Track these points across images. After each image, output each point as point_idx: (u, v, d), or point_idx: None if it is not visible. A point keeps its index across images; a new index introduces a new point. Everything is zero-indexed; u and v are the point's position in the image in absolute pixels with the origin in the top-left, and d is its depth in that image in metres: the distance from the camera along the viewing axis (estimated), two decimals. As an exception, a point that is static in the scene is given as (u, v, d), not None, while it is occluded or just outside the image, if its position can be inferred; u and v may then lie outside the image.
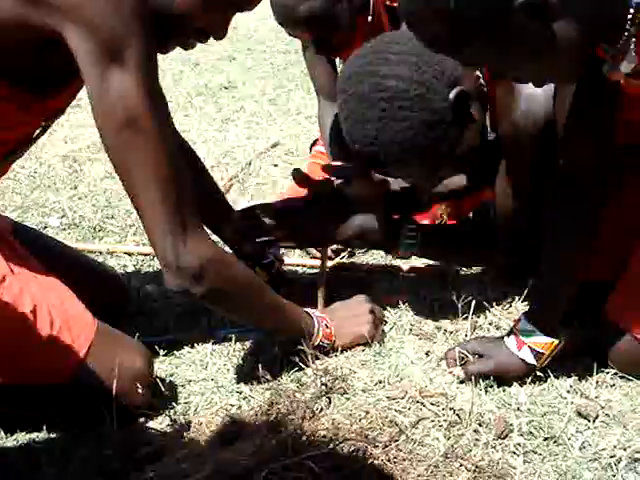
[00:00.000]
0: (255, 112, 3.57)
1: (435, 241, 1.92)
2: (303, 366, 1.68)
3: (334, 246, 2.15)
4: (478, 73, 1.75)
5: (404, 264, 2.14)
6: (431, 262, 2.12)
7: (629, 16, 1.20)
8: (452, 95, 1.64)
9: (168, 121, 1.39)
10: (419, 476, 1.39)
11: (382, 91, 1.62)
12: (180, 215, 1.36)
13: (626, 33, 1.22)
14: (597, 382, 1.64)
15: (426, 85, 1.62)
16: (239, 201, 2.55)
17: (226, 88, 3.95)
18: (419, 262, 2.14)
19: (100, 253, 2.26)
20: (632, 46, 1.22)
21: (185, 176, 1.38)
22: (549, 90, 1.63)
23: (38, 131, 1.57)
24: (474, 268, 2.10)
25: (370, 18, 2.19)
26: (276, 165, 2.93)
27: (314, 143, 2.71)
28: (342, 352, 1.75)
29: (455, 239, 1.95)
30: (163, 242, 1.37)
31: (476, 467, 1.41)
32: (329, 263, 2.10)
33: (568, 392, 1.61)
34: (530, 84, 1.60)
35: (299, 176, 1.87)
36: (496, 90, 1.73)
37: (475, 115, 1.71)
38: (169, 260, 1.38)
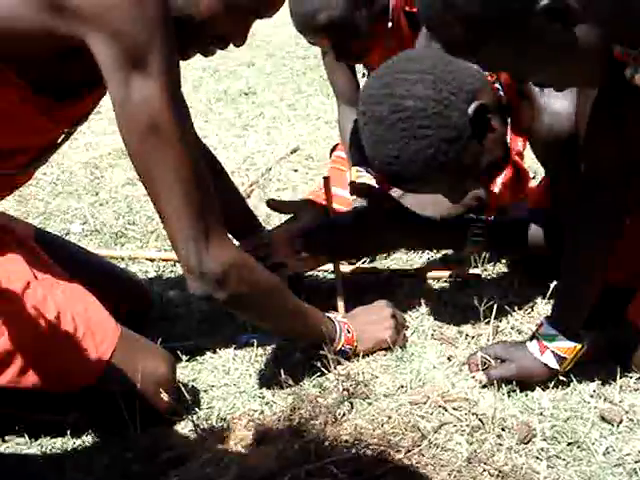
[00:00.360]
0: (275, 117, 3.57)
1: (501, 235, 1.91)
2: (325, 371, 1.69)
3: None
4: (497, 85, 1.76)
5: (426, 269, 2.14)
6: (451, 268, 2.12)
7: None
8: (471, 110, 1.64)
9: (190, 127, 1.40)
10: (442, 481, 1.38)
11: (400, 112, 1.63)
12: (203, 220, 1.36)
13: None
14: (621, 386, 1.63)
15: (444, 103, 1.63)
16: (260, 207, 2.56)
17: (245, 94, 3.96)
18: (440, 266, 2.15)
19: (122, 259, 2.27)
20: None
21: (207, 182, 1.39)
22: (571, 106, 1.63)
23: (61, 138, 1.58)
24: (497, 272, 2.10)
25: (390, 24, 2.19)
26: (296, 170, 2.93)
27: (334, 148, 2.71)
28: (364, 357, 1.75)
29: (521, 231, 1.91)
30: (186, 247, 1.37)
31: (499, 472, 1.40)
32: (348, 268, 2.11)
33: (591, 397, 1.60)
34: (552, 99, 1.62)
35: (358, 188, 1.93)
36: (520, 107, 1.74)
37: (495, 126, 1.71)
38: (192, 265, 1.39)
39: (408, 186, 1.78)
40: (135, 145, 1.31)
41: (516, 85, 1.74)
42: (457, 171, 1.69)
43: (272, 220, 2.46)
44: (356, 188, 1.94)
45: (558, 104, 1.64)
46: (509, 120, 1.79)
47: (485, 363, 1.66)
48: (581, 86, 1.51)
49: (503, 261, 2.14)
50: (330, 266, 2.16)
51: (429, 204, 2.05)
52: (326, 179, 1.95)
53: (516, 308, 1.90)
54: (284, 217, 2.45)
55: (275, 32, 4.85)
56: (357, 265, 2.17)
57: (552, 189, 1.85)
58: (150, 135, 1.29)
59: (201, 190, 1.36)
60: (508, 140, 1.81)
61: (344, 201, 2.30)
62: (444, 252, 2.22)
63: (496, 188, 2.24)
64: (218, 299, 1.43)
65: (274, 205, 2.00)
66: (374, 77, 1.74)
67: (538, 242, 1.86)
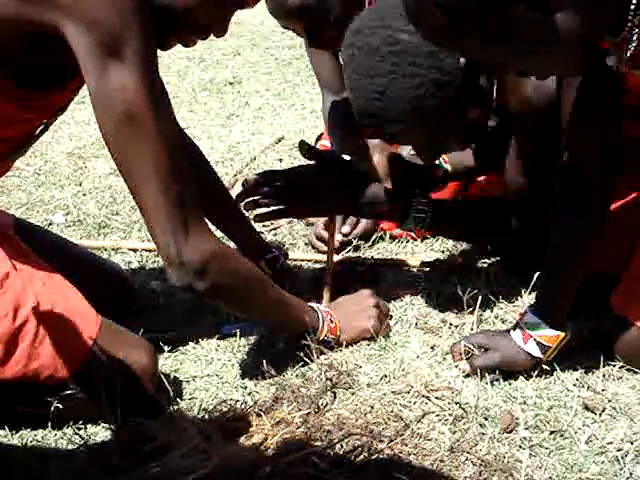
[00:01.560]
0: (260, 107, 3.56)
1: (447, 217, 1.88)
2: (308, 361, 1.68)
3: (339, 237, 2.15)
4: None
5: (410, 259, 2.13)
6: (437, 256, 2.12)
7: (632, 6, 1.18)
8: (463, 59, 1.60)
9: (169, 116, 1.38)
10: (425, 470, 1.38)
11: (394, 44, 1.58)
12: (182, 210, 1.35)
13: (629, 24, 1.21)
14: (604, 375, 1.63)
15: None
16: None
17: (231, 83, 3.94)
18: (424, 256, 2.14)
19: (105, 250, 2.26)
20: (635, 37, 1.21)
21: (186, 171, 1.38)
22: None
23: (40, 129, 1.56)
24: (481, 261, 2.09)
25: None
26: (281, 160, 2.92)
27: (319, 137, 2.70)
28: (347, 347, 1.75)
29: (468, 216, 1.90)
30: (165, 238, 1.36)
31: (482, 461, 1.40)
32: (335, 258, 2.10)
33: (574, 385, 1.60)
34: None
35: (307, 148, 1.85)
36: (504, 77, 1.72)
37: (483, 84, 1.69)
38: (171, 256, 1.38)
39: (387, 127, 1.69)
40: (111, 134, 1.30)
41: None
42: (440, 120, 1.65)
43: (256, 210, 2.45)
44: (309, 151, 1.89)
45: None
46: (495, 83, 1.77)
47: (468, 352, 1.66)
48: (563, 74, 1.51)
49: (487, 251, 2.13)
50: (314, 256, 2.16)
51: None
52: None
53: (500, 297, 1.90)
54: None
55: (261, 21, 4.83)
56: (341, 255, 2.16)
57: (522, 172, 1.82)
58: (126, 124, 1.28)
59: (179, 180, 1.35)
60: (491, 105, 1.79)
61: None
62: (429, 242, 2.22)
63: None
64: (198, 290, 1.42)
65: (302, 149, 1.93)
66: (369, 9, 1.69)
67: (496, 229, 1.84)
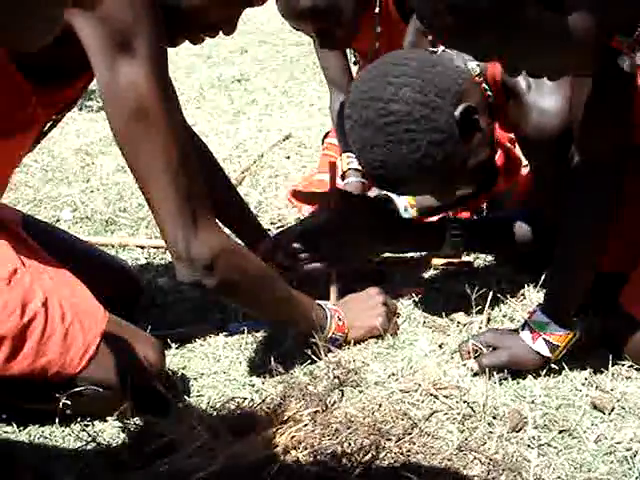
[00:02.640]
0: (267, 104, 3.56)
1: (481, 235, 1.90)
2: (316, 359, 1.68)
3: None
4: (484, 85, 1.75)
5: (418, 257, 2.13)
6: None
7: None
8: (458, 112, 1.65)
9: (177, 112, 1.38)
10: (432, 469, 1.37)
11: (387, 116, 1.63)
12: (191, 206, 1.35)
13: None
14: (612, 374, 1.62)
15: (431, 105, 1.63)
16: (251, 194, 2.55)
17: (238, 81, 3.94)
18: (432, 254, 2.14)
19: (112, 246, 2.26)
20: None
21: (195, 167, 1.37)
22: (561, 103, 1.63)
23: (48, 125, 1.56)
24: (489, 260, 2.09)
25: (377, 9, 2.17)
26: (288, 157, 2.92)
27: (326, 135, 2.70)
28: (355, 345, 1.75)
29: (500, 231, 1.91)
30: (174, 233, 1.36)
31: (490, 460, 1.40)
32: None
33: (583, 385, 1.60)
34: (540, 96, 1.61)
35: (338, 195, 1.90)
36: (508, 106, 1.73)
37: (483, 127, 1.71)
38: (180, 251, 1.37)
39: (396, 189, 1.79)
40: (122, 130, 1.30)
41: (503, 84, 1.73)
42: (445, 173, 1.69)
43: (263, 208, 2.46)
44: (335, 193, 1.92)
45: (546, 102, 1.64)
46: (497, 119, 1.79)
47: (477, 351, 1.65)
48: (575, 75, 1.50)
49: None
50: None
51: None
52: (332, 164, 1.94)
53: (508, 296, 1.89)
54: (276, 205, 2.45)
55: (268, 19, 4.83)
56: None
57: (537, 188, 1.84)
58: (137, 120, 1.28)
59: (189, 176, 1.35)
60: (494, 140, 1.81)
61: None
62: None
63: None
64: (207, 286, 1.42)
65: (301, 199, 1.95)
66: (360, 80, 1.74)
67: (522, 240, 1.84)
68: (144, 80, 1.27)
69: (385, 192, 2.06)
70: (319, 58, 2.54)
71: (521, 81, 1.69)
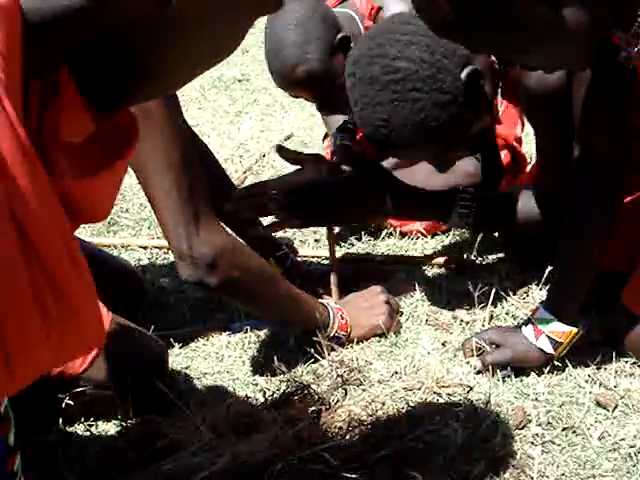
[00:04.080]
0: (269, 104, 3.55)
1: (491, 210, 1.85)
2: (319, 358, 1.68)
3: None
4: None
5: (420, 255, 2.13)
6: (447, 252, 2.11)
7: None
8: (464, 74, 1.62)
9: (179, 111, 1.39)
10: (436, 467, 1.37)
11: (392, 73, 1.60)
12: (193, 204, 1.36)
13: (639, 19, 1.21)
14: (616, 371, 1.62)
15: (437, 65, 1.60)
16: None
17: (239, 81, 3.93)
18: (435, 252, 2.14)
19: (115, 247, 2.26)
20: None
21: (197, 166, 1.38)
22: None
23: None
24: (492, 257, 2.09)
25: None
26: (290, 157, 2.91)
27: (326, 136, 2.69)
28: (358, 343, 1.75)
29: (509, 205, 1.86)
30: (176, 232, 1.36)
31: (494, 458, 1.39)
32: (341, 254, 2.10)
33: (586, 382, 1.60)
34: None
35: (290, 152, 1.85)
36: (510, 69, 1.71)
37: (488, 93, 1.69)
38: (183, 250, 1.38)
39: (397, 150, 1.74)
40: None
41: None
42: (447, 137, 1.66)
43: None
44: (344, 154, 1.89)
45: None
46: (500, 86, 1.77)
47: (480, 349, 1.65)
48: (569, 68, 1.50)
49: (498, 247, 2.13)
50: (324, 252, 2.15)
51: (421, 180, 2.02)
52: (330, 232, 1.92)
53: (511, 294, 1.89)
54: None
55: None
56: (351, 251, 2.16)
57: (540, 152, 1.82)
58: (140, 118, 1.27)
59: (191, 175, 1.35)
60: (499, 108, 1.79)
61: None
62: (439, 238, 2.22)
63: None
64: (209, 284, 1.42)
65: (284, 154, 1.91)
66: (366, 37, 1.71)
67: (529, 217, 1.82)
68: None
69: None
70: (324, 121, 2.52)
71: None
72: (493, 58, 1.72)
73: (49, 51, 0.76)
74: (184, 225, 1.36)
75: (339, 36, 2.14)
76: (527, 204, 1.80)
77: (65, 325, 0.76)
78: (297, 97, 2.18)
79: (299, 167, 1.81)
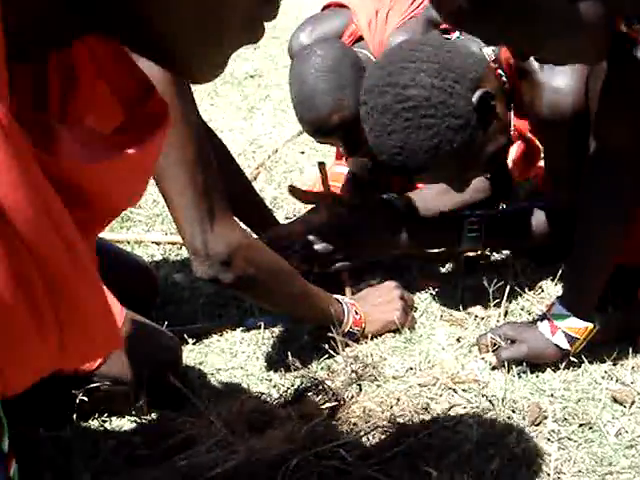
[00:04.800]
0: (281, 100, 3.54)
1: (499, 228, 1.88)
2: (333, 353, 1.67)
3: None
4: (499, 71, 1.73)
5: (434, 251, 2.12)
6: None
7: None
8: (475, 98, 1.63)
9: (193, 106, 1.38)
10: (452, 464, 1.37)
11: (404, 101, 1.62)
12: (208, 201, 1.35)
13: None
14: (632, 367, 1.61)
15: (448, 91, 1.61)
16: (266, 189, 2.54)
17: (252, 77, 3.92)
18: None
19: (128, 243, 2.26)
20: None
21: (212, 163, 1.38)
22: (574, 81, 1.61)
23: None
24: (506, 253, 2.07)
25: None
26: (303, 152, 2.91)
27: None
28: (372, 339, 1.74)
29: (518, 223, 1.90)
30: (191, 229, 1.36)
31: (510, 454, 1.39)
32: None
33: (603, 378, 1.59)
34: (553, 76, 1.59)
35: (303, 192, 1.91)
36: (521, 86, 1.71)
37: (500, 113, 1.70)
38: (198, 247, 1.37)
39: (413, 176, 1.77)
40: None
41: (516, 66, 1.71)
42: (462, 160, 1.67)
43: (279, 203, 2.45)
44: (353, 188, 1.92)
45: (559, 80, 1.62)
46: (512, 105, 1.77)
47: (495, 344, 1.64)
48: (582, 62, 1.48)
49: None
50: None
51: (433, 199, 2.03)
52: (321, 165, 1.93)
53: (526, 289, 1.88)
54: (291, 201, 2.44)
55: (281, 14, 4.81)
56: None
57: (551, 176, 1.82)
58: None
59: (205, 171, 1.35)
60: (512, 126, 1.79)
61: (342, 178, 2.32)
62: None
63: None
64: (224, 281, 1.42)
65: (296, 194, 1.95)
66: (376, 67, 1.72)
67: (540, 231, 1.83)
68: (161, 74, 1.26)
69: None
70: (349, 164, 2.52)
71: (534, 60, 1.67)
72: (504, 79, 1.73)
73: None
74: (199, 221, 1.36)
75: None
76: (537, 220, 1.83)
77: (68, 328, 0.71)
78: (324, 144, 2.16)
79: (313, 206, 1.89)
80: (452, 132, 1.63)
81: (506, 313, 1.81)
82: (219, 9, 0.73)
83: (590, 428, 1.47)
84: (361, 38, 2.14)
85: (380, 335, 1.75)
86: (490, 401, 1.52)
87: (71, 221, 0.69)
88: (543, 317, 1.62)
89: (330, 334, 1.65)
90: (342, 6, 2.26)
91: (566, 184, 1.73)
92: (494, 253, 2.07)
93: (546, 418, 1.49)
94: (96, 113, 0.82)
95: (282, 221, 2.24)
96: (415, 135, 1.63)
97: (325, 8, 2.34)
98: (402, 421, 1.46)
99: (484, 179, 2.12)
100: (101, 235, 2.12)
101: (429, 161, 1.65)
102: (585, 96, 1.60)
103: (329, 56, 2.00)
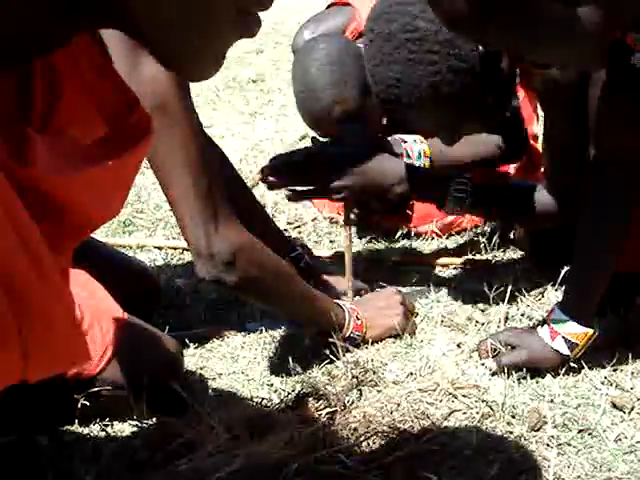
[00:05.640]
0: (283, 105, 3.56)
1: (486, 196, 1.84)
2: (334, 358, 1.68)
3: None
4: None
5: (434, 256, 2.12)
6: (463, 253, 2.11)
7: None
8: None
9: (194, 110, 1.40)
10: (451, 469, 1.37)
11: (411, 32, 1.59)
12: (212, 202, 1.37)
13: None
14: (632, 373, 1.61)
15: None
16: (267, 194, 2.55)
17: (254, 81, 3.94)
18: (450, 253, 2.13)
19: (130, 247, 2.27)
20: None
21: (215, 164, 1.39)
22: None
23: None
24: (507, 258, 2.08)
25: None
26: (305, 157, 2.91)
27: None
28: (373, 344, 1.74)
29: (508, 195, 1.88)
30: (195, 230, 1.37)
31: (510, 460, 1.39)
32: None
33: (602, 383, 1.59)
34: None
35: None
36: None
37: (504, 68, 1.66)
38: (201, 247, 1.38)
39: (404, 112, 1.71)
40: None
41: None
42: (457, 106, 1.65)
43: (280, 208, 2.46)
44: (354, 134, 1.90)
45: None
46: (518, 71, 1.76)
47: (495, 350, 1.65)
48: (582, 68, 1.49)
49: (513, 247, 2.12)
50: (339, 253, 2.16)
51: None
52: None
53: (526, 295, 1.88)
54: (293, 205, 2.45)
55: (283, 19, 4.83)
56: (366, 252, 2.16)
57: (548, 154, 1.80)
58: (157, 115, 1.29)
59: (209, 172, 1.36)
60: (516, 83, 1.76)
61: None
62: (454, 239, 2.22)
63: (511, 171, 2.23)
64: (227, 282, 1.43)
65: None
66: None
67: (531, 210, 1.81)
68: (165, 76, 1.28)
69: (401, 136, 2.05)
70: None
71: None
72: None
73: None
74: (203, 222, 1.37)
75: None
76: (529, 198, 1.80)
77: (33, 339, 0.70)
78: (324, 136, 2.17)
79: None
80: (453, 74, 1.59)
81: (506, 319, 1.81)
82: (206, 3, 0.72)
83: (590, 434, 1.47)
84: (363, 34, 2.16)
85: (381, 340, 1.76)
86: (490, 406, 1.52)
87: (39, 235, 0.69)
88: (543, 322, 1.62)
89: (331, 339, 1.66)
90: (346, 4, 2.27)
91: (558, 154, 1.71)
92: (495, 259, 2.08)
93: (546, 424, 1.49)
94: (78, 125, 0.82)
95: (283, 226, 2.25)
96: (415, 68, 1.59)
97: (329, 7, 2.35)
98: (402, 426, 1.46)
99: (498, 136, 2.10)
100: (103, 239, 2.14)
101: (423, 99, 1.62)
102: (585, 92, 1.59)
103: (332, 49, 2.01)
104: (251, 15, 0.77)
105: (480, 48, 1.60)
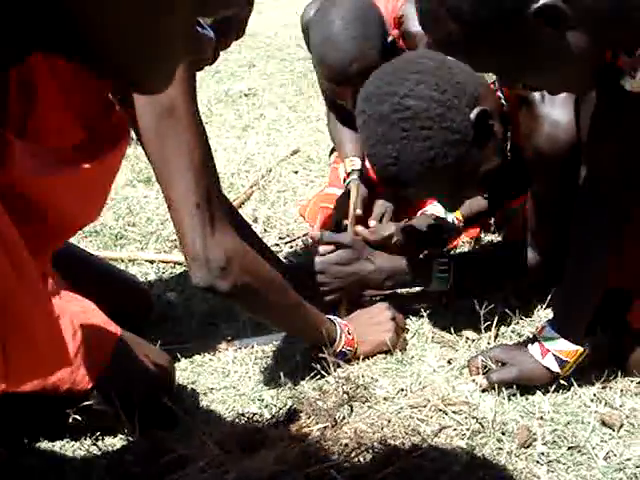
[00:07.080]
0: (275, 119, 3.57)
1: (468, 272, 1.90)
2: (325, 374, 1.68)
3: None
4: (499, 93, 1.75)
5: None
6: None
7: None
8: (473, 114, 1.63)
9: (199, 116, 1.42)
10: (442, 485, 1.38)
11: (402, 111, 1.62)
12: (210, 206, 1.38)
13: None
14: (621, 390, 1.62)
15: (447, 105, 1.61)
16: (260, 208, 2.56)
17: (246, 95, 3.95)
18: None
19: (121, 261, 2.27)
20: None
21: (214, 170, 1.40)
22: (571, 115, 1.62)
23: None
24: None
25: None
26: (296, 172, 2.92)
27: (333, 149, 2.70)
28: (364, 360, 1.75)
29: (488, 266, 1.93)
30: (193, 232, 1.38)
31: (500, 477, 1.40)
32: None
33: (592, 401, 1.60)
34: (553, 108, 1.60)
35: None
36: (519, 114, 1.72)
37: (497, 133, 1.71)
38: (197, 252, 1.39)
39: (405, 189, 1.76)
40: (151, 127, 1.34)
41: (516, 94, 1.73)
42: (455, 176, 1.67)
43: (272, 222, 2.46)
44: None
45: (559, 114, 1.62)
46: (509, 128, 1.79)
47: (485, 367, 1.66)
48: (571, 91, 1.50)
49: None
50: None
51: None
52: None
53: (517, 312, 1.89)
54: (285, 220, 2.46)
55: (276, 33, 4.85)
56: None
57: (538, 203, 1.82)
58: (166, 117, 1.32)
59: (209, 177, 1.38)
60: (508, 148, 1.80)
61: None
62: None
63: None
64: (220, 289, 1.43)
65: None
66: (375, 76, 1.72)
67: (515, 271, 1.86)
68: (176, 80, 1.29)
69: (433, 212, 2.09)
70: (330, 132, 2.53)
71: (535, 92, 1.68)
72: (503, 101, 1.74)
73: None
74: (201, 226, 1.38)
75: (389, 39, 2.16)
76: (513, 260, 1.84)
77: (12, 343, 0.70)
78: (338, 93, 2.17)
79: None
80: (448, 146, 1.62)
81: (497, 335, 1.82)
82: (155, 21, 0.71)
83: (579, 451, 1.48)
84: None
85: (372, 356, 1.76)
86: (480, 423, 1.53)
87: (20, 240, 0.69)
88: (534, 340, 1.63)
89: (322, 355, 1.66)
90: None
91: (550, 218, 1.74)
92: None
93: (535, 440, 1.50)
94: (55, 128, 0.83)
95: (275, 241, 2.25)
96: (411, 146, 1.62)
97: None
98: (393, 442, 1.47)
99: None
100: (95, 252, 2.14)
101: (422, 174, 1.65)
102: (578, 127, 1.62)
103: (356, 7, 2.06)
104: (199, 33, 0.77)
105: (471, 117, 1.63)
